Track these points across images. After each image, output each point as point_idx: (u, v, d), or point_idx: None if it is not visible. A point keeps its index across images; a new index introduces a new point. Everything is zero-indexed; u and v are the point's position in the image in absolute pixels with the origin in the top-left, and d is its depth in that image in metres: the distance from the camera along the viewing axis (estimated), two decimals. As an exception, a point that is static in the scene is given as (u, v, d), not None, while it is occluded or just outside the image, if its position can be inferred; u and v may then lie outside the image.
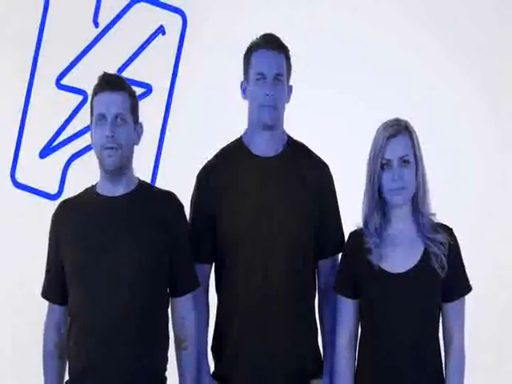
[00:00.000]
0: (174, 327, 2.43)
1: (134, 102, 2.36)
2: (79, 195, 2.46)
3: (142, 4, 4.12)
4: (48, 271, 2.44)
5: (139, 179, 2.44)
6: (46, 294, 2.44)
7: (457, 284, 2.31)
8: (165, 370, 2.41)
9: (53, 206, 3.93)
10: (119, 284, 2.30)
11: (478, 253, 3.61)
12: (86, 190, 2.46)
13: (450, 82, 3.95)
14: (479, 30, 3.99)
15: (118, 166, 2.33)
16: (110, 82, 2.33)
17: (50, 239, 2.44)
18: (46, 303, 2.51)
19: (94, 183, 2.47)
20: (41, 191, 4.11)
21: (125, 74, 3.82)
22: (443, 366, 2.35)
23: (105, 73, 2.38)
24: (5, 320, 4.04)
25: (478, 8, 3.97)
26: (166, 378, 2.41)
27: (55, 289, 2.41)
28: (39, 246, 3.87)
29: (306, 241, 2.47)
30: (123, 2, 4.11)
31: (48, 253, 2.44)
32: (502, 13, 3.99)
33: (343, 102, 3.96)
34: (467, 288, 2.34)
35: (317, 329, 2.55)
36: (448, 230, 2.34)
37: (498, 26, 4.00)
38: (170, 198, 2.43)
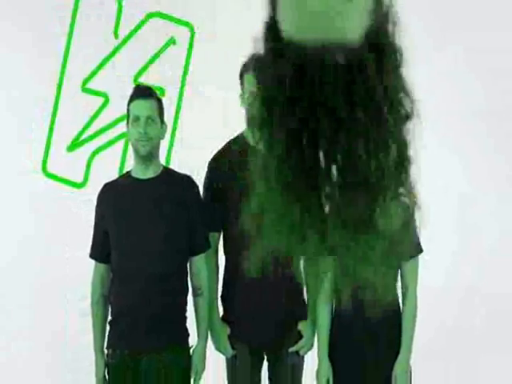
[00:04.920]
0: (191, 279, 2.92)
1: (160, 106, 2.84)
2: (118, 178, 2.94)
3: (156, 18, 4.42)
4: (94, 238, 2.91)
5: (163, 165, 2.90)
6: (93, 255, 2.92)
7: (411, 247, 2.85)
8: (185, 310, 2.88)
9: (78, 193, 4.42)
10: (149, 249, 2.78)
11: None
12: (123, 175, 2.95)
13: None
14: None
15: (149, 152, 2.79)
16: (143, 92, 2.81)
17: (96, 213, 2.89)
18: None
19: (119, 172, 3.01)
20: (68, 180, 4.44)
21: (140, 79, 4.16)
22: (400, 308, 2.90)
23: (139, 84, 2.89)
24: (44, 296, 4.27)
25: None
26: (186, 317, 2.89)
27: (100, 251, 2.88)
28: (67, 227, 4.35)
29: None
30: (140, 17, 4.41)
31: (95, 223, 2.91)
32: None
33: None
34: (419, 250, 2.90)
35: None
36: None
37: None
38: (188, 180, 2.90)
